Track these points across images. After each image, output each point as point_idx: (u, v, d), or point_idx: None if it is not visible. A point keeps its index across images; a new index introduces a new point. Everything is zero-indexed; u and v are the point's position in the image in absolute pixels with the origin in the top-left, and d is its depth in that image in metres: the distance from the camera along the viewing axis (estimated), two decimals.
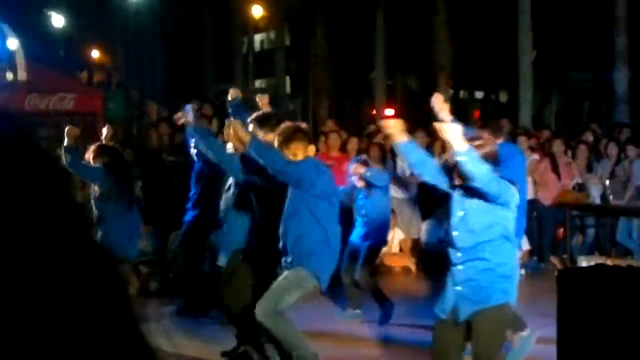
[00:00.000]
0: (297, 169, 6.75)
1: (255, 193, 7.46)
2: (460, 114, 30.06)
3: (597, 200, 12.99)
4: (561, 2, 25.05)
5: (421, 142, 10.61)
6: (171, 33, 35.02)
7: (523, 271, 10.29)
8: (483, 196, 5.63)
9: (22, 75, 17.09)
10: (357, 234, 9.83)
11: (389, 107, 27.25)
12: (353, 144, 13.98)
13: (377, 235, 9.85)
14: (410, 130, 15.95)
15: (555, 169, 13.35)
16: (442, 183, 5.97)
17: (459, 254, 5.80)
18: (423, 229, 13.22)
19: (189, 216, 10.05)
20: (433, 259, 10.05)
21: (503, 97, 33.16)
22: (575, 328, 3.57)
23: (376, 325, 9.46)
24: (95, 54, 39.11)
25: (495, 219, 5.70)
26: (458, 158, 5.48)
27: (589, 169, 13.88)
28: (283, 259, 6.88)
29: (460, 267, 5.80)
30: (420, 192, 13.05)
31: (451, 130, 5.46)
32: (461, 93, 33.82)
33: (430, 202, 12.49)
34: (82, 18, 37.43)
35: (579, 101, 31.52)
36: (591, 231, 13.59)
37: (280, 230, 6.88)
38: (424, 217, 13.28)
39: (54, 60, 27.14)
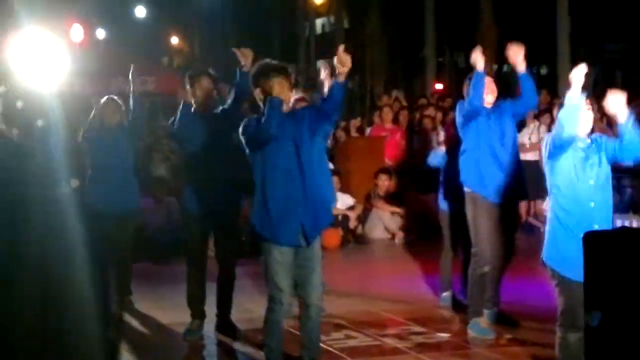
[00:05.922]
0: None
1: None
2: (504, 86, 29.75)
3: (631, 163, 12.70)
4: None
5: None
6: (241, 19, 35.02)
7: None
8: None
9: None
10: None
11: (438, 82, 26.96)
12: (404, 116, 13.87)
13: None
14: (454, 102, 15.70)
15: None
16: None
17: (595, 226, 5.24)
18: None
19: None
20: None
21: (543, 71, 32.64)
22: (601, 289, 3.44)
23: None
24: (174, 40, 39.24)
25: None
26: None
27: None
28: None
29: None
30: None
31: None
32: (505, 67, 33.47)
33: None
34: (162, 8, 37.57)
35: (612, 71, 30.91)
36: (628, 191, 13.32)
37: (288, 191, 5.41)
38: None
39: (137, 47, 27.26)
